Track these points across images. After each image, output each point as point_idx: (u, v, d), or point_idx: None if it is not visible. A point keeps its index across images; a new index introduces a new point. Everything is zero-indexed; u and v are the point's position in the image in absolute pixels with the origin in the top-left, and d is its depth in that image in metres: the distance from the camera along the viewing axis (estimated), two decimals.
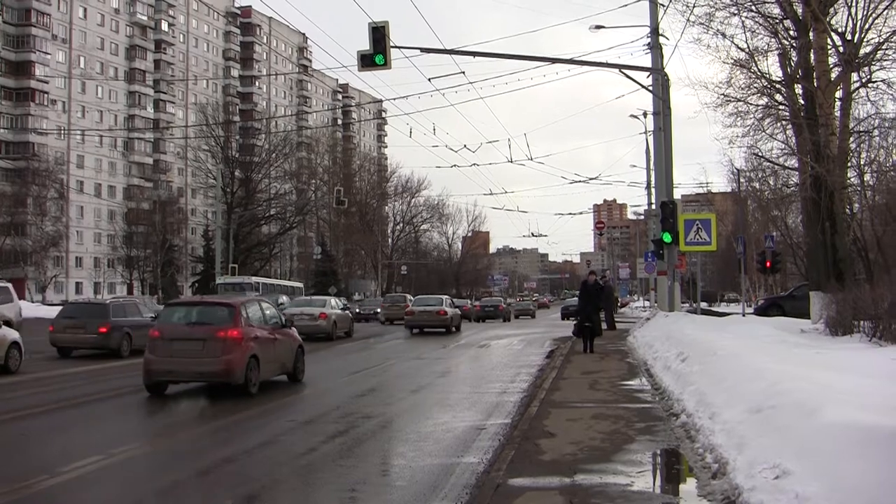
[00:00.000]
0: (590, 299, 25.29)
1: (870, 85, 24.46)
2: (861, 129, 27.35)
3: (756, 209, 62.83)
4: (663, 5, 29.01)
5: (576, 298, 74.86)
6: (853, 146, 27.64)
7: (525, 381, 19.05)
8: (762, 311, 37.04)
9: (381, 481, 9.71)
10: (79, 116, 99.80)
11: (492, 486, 8.46)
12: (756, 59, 24.85)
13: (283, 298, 48.08)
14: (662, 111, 29.88)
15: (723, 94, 25.39)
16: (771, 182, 47.09)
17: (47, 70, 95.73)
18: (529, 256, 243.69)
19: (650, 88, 30.28)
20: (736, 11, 24.04)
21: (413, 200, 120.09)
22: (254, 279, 61.37)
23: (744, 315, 35.14)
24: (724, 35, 24.65)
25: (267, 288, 59.43)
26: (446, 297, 48.61)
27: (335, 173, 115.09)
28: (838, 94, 24.25)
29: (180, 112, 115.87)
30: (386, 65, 23.06)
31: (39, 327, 29.01)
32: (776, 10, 24.55)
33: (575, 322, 26.50)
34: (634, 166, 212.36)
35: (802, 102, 24.21)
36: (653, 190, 41.58)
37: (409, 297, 55.03)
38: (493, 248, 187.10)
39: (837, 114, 24.23)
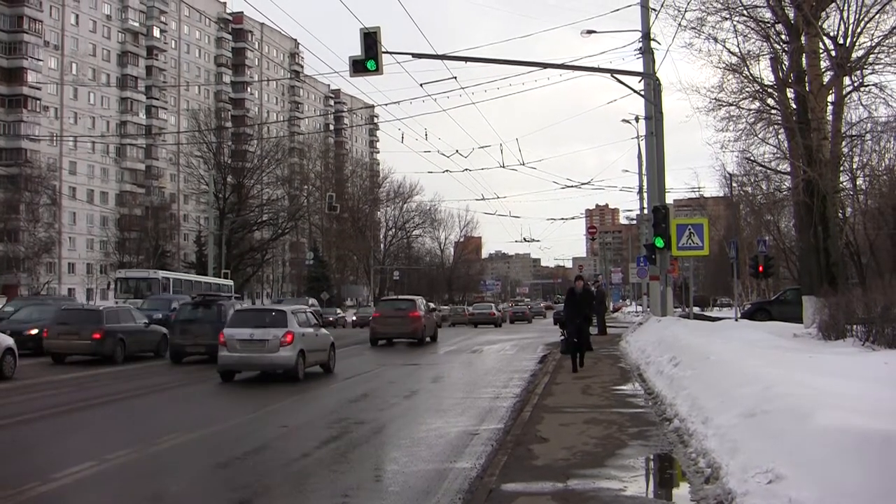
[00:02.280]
0: (578, 309, 20.94)
1: (862, 89, 24.49)
2: (853, 134, 27.37)
3: (748, 213, 62.85)
4: (655, 10, 29.04)
5: None
6: (845, 150, 27.70)
7: (518, 386, 19.05)
8: (749, 316, 37.08)
9: (374, 487, 9.67)
10: (71, 122, 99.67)
11: (485, 492, 8.45)
12: (748, 63, 24.85)
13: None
14: (654, 116, 29.88)
15: (715, 99, 25.40)
16: (763, 186, 47.29)
17: (39, 76, 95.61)
18: (522, 261, 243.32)
19: (642, 93, 30.30)
20: (727, 16, 24.07)
21: (405, 206, 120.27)
22: (161, 273, 53.85)
23: (737, 320, 35.12)
24: (715, 39, 24.66)
25: (182, 284, 51.94)
26: (493, 303, 74.52)
27: (327, 179, 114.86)
28: (830, 98, 24.26)
29: (172, 118, 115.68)
30: (378, 70, 23.04)
31: None
32: (768, 15, 24.59)
33: (562, 337, 21.92)
34: (626, 171, 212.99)
35: (794, 107, 24.22)
36: (645, 195, 41.71)
37: (468, 307, 75.12)
38: (485, 254, 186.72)
39: (829, 118, 24.23)
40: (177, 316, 28.26)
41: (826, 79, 23.99)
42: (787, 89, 24.58)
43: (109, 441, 12.21)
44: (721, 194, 69.49)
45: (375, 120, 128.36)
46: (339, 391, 19.14)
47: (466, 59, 27.90)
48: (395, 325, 34.49)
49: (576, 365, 20.09)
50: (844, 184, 29.56)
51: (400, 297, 43.82)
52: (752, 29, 24.75)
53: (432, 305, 57.18)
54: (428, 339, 35.68)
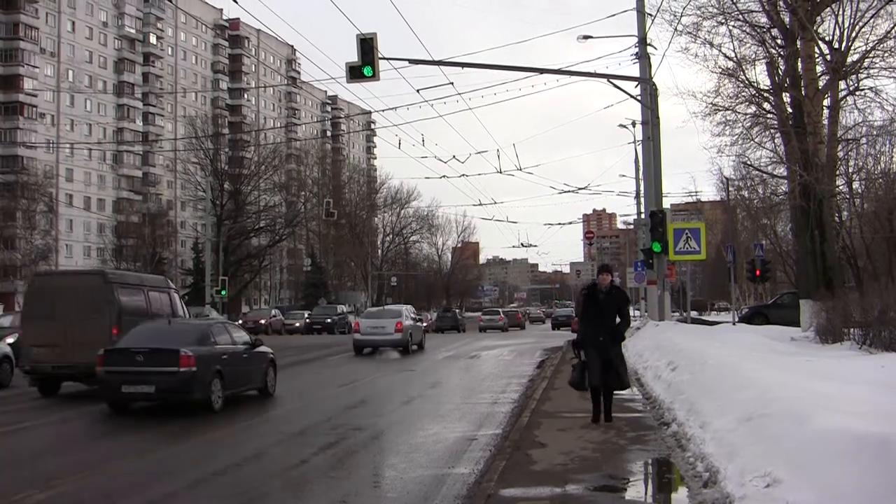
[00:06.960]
0: (603, 319, 12.86)
1: (857, 93, 24.56)
2: (849, 137, 27.45)
3: (745, 218, 62.95)
4: (651, 15, 29.12)
5: (566, 308, 74.18)
6: (841, 154, 27.74)
7: (516, 391, 19.03)
8: (746, 320, 37.10)
9: (372, 493, 9.68)
10: (67, 130, 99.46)
11: (483, 497, 8.45)
12: (744, 67, 24.86)
13: None
14: (651, 121, 29.90)
15: (711, 104, 25.38)
16: (760, 191, 47.32)
17: (36, 83, 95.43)
18: (519, 267, 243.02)
19: (639, 98, 30.31)
20: (723, 21, 24.07)
21: (402, 212, 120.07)
22: None
23: (734, 324, 35.14)
24: (711, 44, 24.68)
25: None
26: (532, 308, 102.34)
27: (324, 185, 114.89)
28: (826, 102, 24.32)
29: (169, 125, 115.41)
30: (374, 76, 23.02)
31: None
32: (763, 19, 24.61)
33: (577, 361, 13.02)
34: (624, 176, 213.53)
35: (790, 111, 24.25)
36: (642, 199, 41.61)
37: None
38: (483, 259, 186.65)
39: (825, 122, 24.29)
40: (437, 314, 72.57)
41: (822, 83, 24.05)
42: (783, 93, 24.60)
43: (108, 449, 12.21)
44: (718, 198, 69.70)
45: (372, 126, 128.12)
46: (336, 397, 19.12)
47: (463, 65, 27.93)
48: (510, 321, 70.83)
49: (598, 413, 12.83)
50: (840, 187, 29.61)
51: (512, 308, 70.11)
52: (748, 34, 24.81)
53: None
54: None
